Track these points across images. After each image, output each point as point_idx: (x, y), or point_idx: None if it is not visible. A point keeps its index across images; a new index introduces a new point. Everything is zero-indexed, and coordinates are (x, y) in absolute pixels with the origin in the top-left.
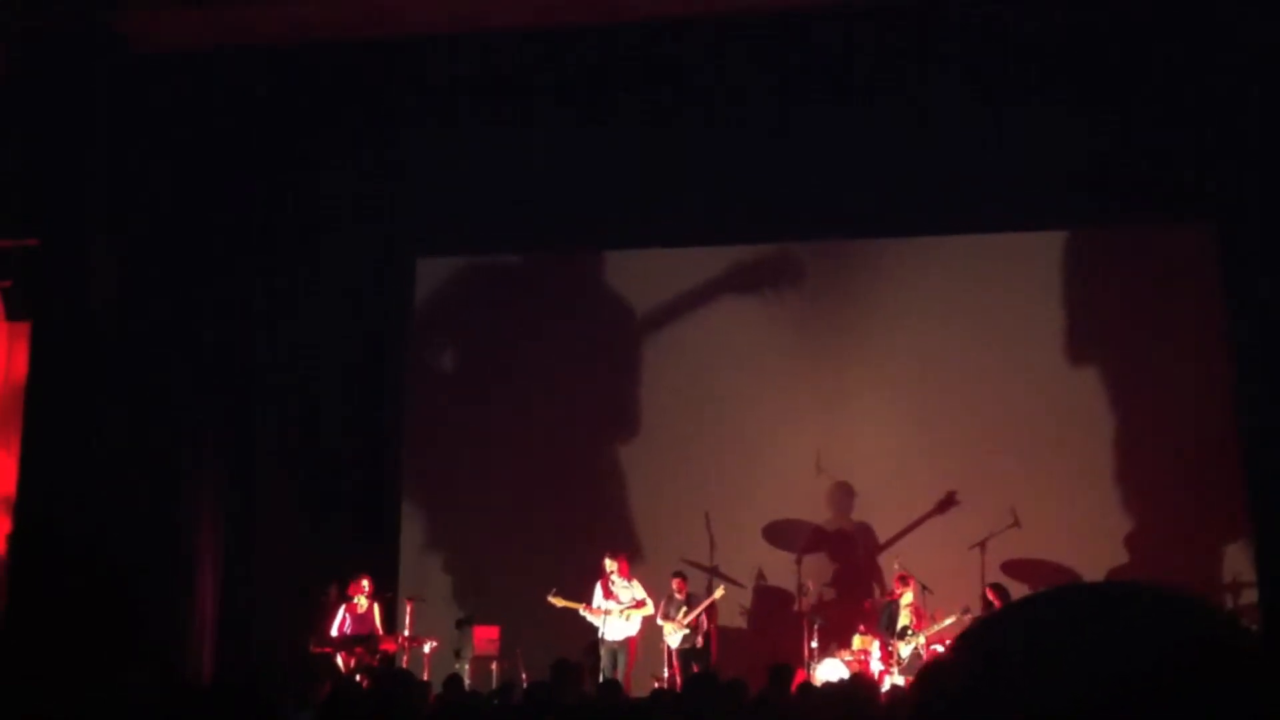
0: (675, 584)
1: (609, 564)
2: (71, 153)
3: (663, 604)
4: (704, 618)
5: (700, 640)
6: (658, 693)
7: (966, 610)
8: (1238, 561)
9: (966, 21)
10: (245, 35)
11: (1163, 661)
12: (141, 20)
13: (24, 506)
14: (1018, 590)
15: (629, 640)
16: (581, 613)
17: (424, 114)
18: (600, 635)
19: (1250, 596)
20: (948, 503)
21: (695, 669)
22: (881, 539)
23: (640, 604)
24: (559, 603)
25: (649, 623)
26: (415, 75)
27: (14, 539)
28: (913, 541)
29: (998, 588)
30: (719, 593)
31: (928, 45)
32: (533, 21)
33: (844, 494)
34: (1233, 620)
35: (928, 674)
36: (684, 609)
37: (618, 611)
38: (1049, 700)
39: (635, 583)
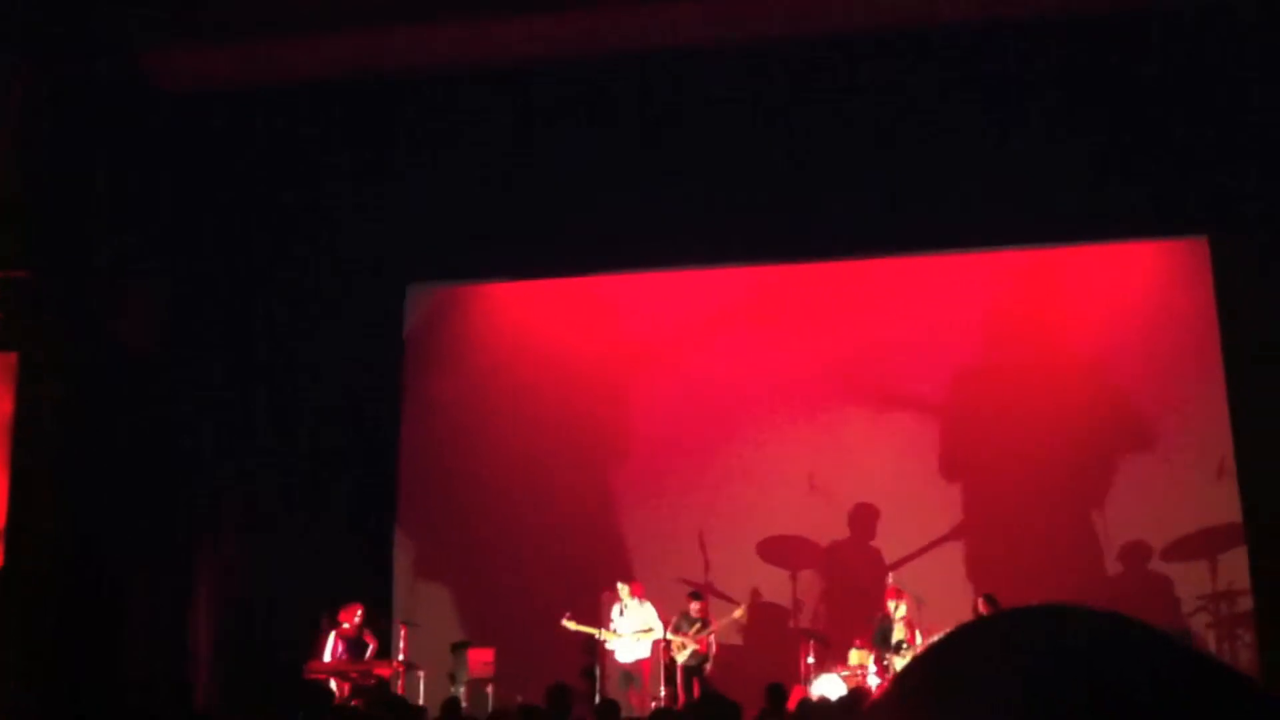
0: (694, 605)
1: (621, 587)
2: (70, 182)
3: (675, 619)
4: (710, 636)
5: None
6: (658, 713)
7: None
8: (1232, 570)
9: (957, 41)
10: (254, 72)
11: (1105, 683)
12: (155, 56)
13: (14, 537)
14: (1006, 602)
15: (640, 663)
16: (598, 635)
17: (415, 139)
18: (615, 658)
19: (1245, 604)
20: (961, 531)
21: (696, 685)
22: (880, 553)
23: (648, 629)
24: (573, 626)
25: (660, 645)
26: (409, 102)
27: (6, 570)
28: (905, 556)
29: (990, 599)
30: (739, 612)
31: (921, 65)
32: (534, 52)
33: (838, 511)
34: (1165, 639)
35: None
36: (697, 625)
37: (630, 634)
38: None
39: (648, 604)
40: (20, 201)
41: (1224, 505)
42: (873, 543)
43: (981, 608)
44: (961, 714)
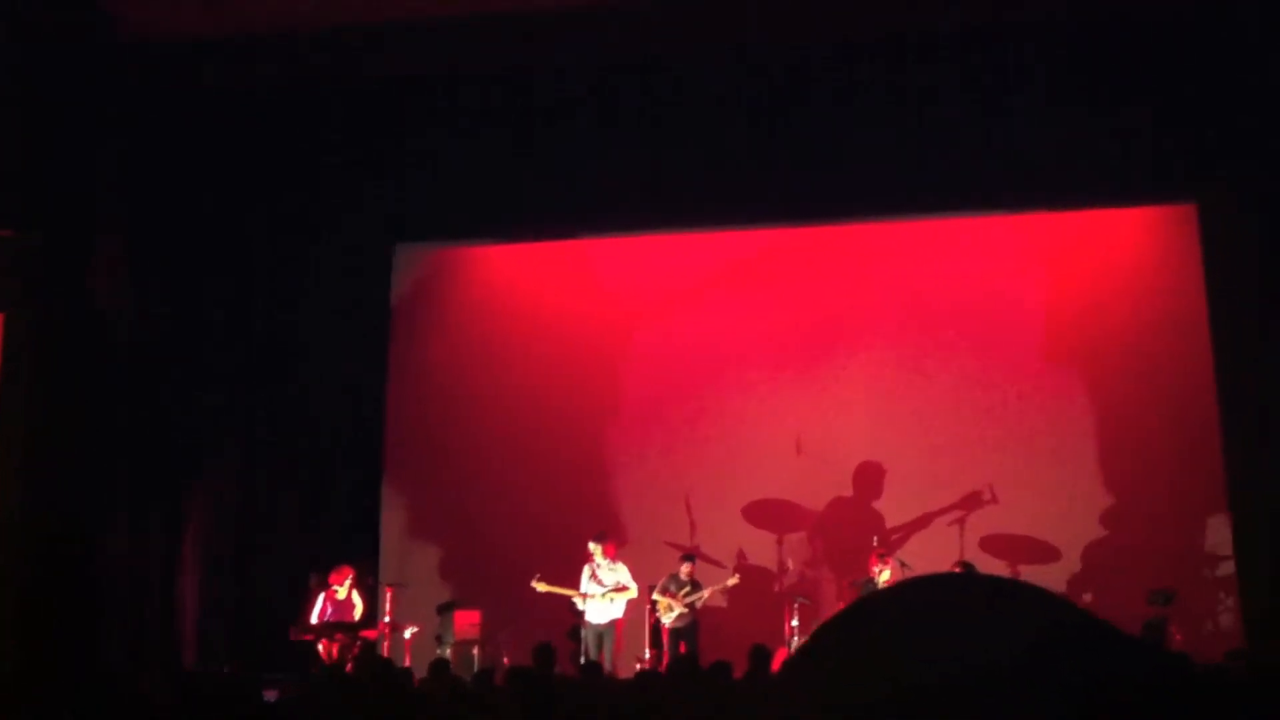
0: (685, 568)
1: (593, 547)
2: (51, 148)
3: (663, 580)
4: (700, 601)
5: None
6: (643, 674)
7: None
8: (1216, 535)
9: (945, 7)
10: (231, 24)
11: (1004, 645)
12: (134, 8)
13: (2, 499)
14: (993, 564)
15: (614, 623)
16: (571, 596)
17: (403, 98)
18: (584, 618)
19: (1228, 569)
20: (975, 499)
21: (683, 648)
22: (866, 517)
23: (622, 588)
24: (543, 588)
25: (633, 606)
26: (397, 63)
27: None
28: (891, 518)
29: (965, 567)
30: (732, 580)
31: (909, 30)
32: (516, 7)
33: (824, 474)
34: (1069, 608)
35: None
36: (686, 588)
37: (600, 594)
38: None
39: (621, 565)
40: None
41: (1208, 470)
42: (859, 506)
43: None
44: (857, 683)
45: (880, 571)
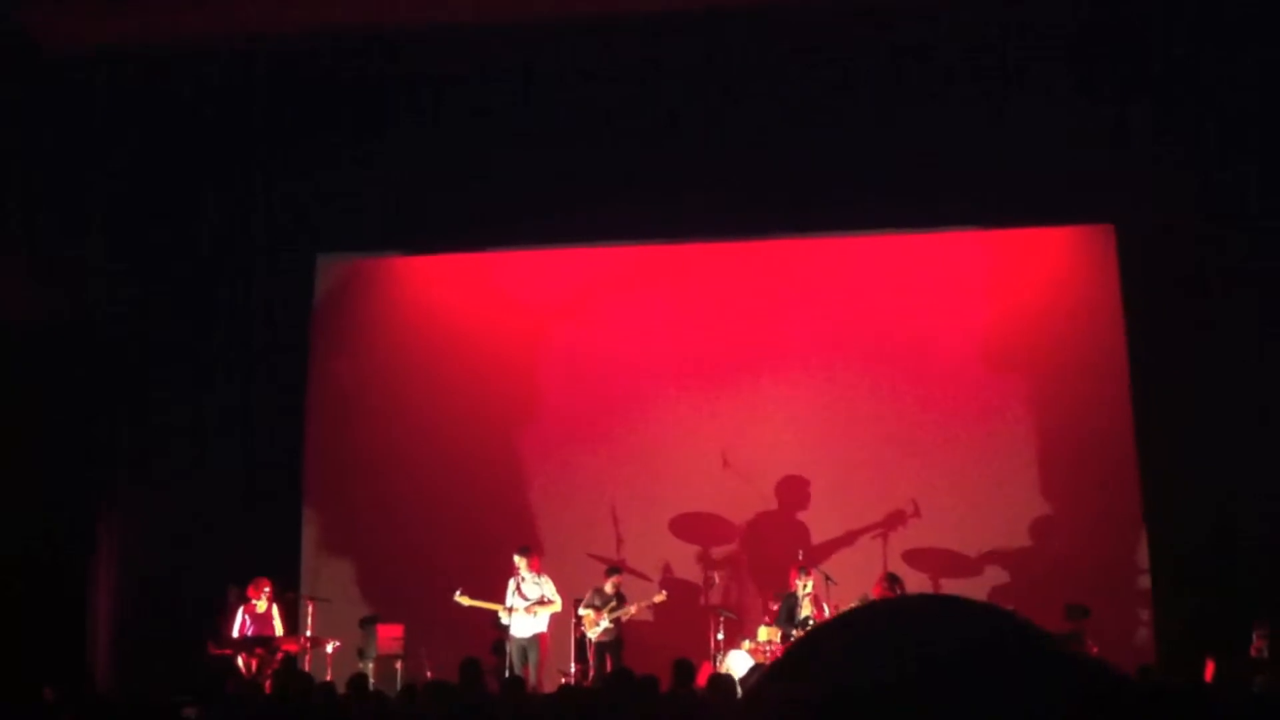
0: (610, 581)
1: (518, 560)
2: None
3: (589, 594)
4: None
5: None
6: (568, 689)
7: (865, 599)
8: (1132, 549)
9: (871, 18)
10: (149, 33)
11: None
12: (48, 20)
13: None
14: (916, 577)
15: (538, 636)
16: (494, 609)
17: (327, 109)
18: (509, 632)
19: (1144, 583)
20: (898, 514)
21: (609, 661)
22: (791, 531)
23: (546, 601)
24: (466, 601)
25: (558, 619)
26: (318, 73)
27: None
28: (816, 532)
29: (891, 578)
30: (659, 597)
31: (837, 43)
32: (437, 18)
33: (750, 488)
34: (1013, 620)
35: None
36: (612, 603)
37: (522, 609)
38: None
39: (545, 578)
40: None
41: (1126, 486)
42: (784, 520)
43: (875, 588)
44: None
45: (803, 584)
